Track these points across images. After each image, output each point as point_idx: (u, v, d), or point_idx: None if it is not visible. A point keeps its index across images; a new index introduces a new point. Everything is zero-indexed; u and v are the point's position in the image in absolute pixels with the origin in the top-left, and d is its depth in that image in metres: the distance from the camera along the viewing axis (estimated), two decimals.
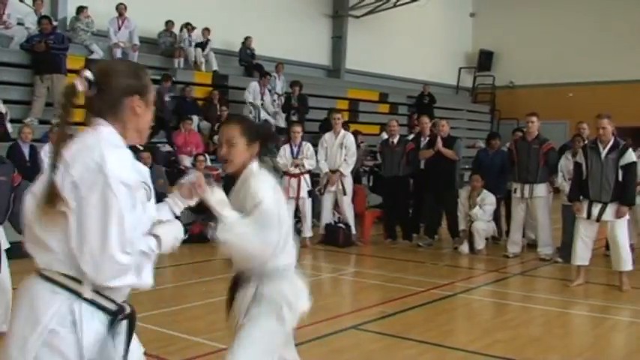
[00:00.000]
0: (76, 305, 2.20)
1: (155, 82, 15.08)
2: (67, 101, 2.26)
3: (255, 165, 3.39)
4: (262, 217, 3.19)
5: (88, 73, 2.29)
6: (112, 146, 2.25)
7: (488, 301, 7.65)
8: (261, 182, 3.31)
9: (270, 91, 15.66)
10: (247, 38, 16.72)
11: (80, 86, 2.26)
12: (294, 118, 14.92)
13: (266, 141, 3.52)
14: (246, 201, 3.29)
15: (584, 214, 7.79)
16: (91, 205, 2.14)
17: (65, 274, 2.20)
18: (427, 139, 11.06)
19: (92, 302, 2.23)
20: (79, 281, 2.20)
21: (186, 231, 9.99)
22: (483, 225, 10.24)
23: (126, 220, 2.17)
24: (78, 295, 2.21)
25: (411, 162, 10.97)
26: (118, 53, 14.22)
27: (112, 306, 2.28)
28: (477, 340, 5.89)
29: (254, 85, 15.12)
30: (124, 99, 2.33)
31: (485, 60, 25.11)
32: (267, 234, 3.20)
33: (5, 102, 11.48)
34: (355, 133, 12.57)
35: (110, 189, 2.15)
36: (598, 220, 7.76)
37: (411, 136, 12.99)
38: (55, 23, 12.95)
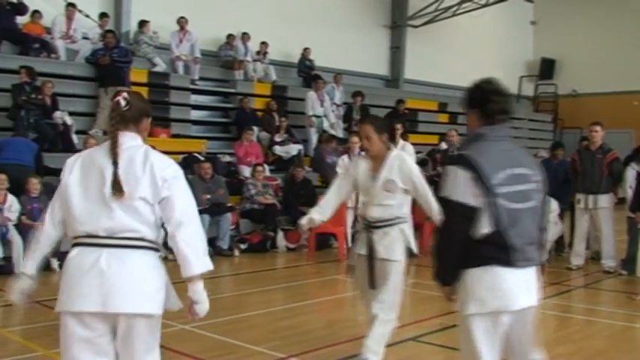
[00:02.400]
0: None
1: (216, 93, 15.36)
2: (116, 111, 3.29)
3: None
4: None
5: (125, 94, 3.32)
6: (160, 154, 3.33)
7: (550, 314, 7.49)
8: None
9: (330, 99, 15.71)
10: (306, 49, 16.85)
11: (122, 102, 3.27)
12: (356, 128, 14.89)
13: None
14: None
15: None
16: (180, 191, 3.23)
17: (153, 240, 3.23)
18: None
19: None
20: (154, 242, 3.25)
21: (244, 241, 10.33)
22: (548, 235, 9.97)
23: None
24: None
25: None
26: (180, 66, 14.49)
27: None
28: None
29: (311, 94, 15.20)
30: (142, 118, 3.37)
31: (547, 68, 24.71)
32: None
33: (71, 114, 11.78)
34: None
35: (184, 179, 3.29)
36: None
37: None
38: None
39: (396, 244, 5.05)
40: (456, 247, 3.23)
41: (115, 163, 3.14)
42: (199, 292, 3.29)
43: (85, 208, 3.16)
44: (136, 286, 3.09)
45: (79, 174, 3.24)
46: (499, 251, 3.19)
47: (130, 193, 3.11)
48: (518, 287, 3.23)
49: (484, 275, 3.20)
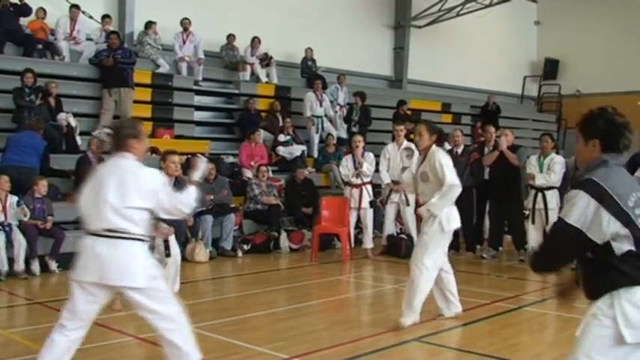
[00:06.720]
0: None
1: (219, 94, 15.37)
2: (99, 144, 7.22)
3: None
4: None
5: (107, 130, 5.89)
6: (143, 167, 4.44)
7: (554, 315, 7.48)
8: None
9: (332, 102, 15.69)
10: (307, 50, 16.84)
11: (105, 137, 6.59)
12: (355, 129, 14.91)
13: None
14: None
15: None
16: (164, 195, 4.38)
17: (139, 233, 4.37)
18: (491, 148, 10.89)
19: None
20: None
21: (248, 242, 10.53)
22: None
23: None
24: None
25: (474, 173, 10.82)
26: (184, 67, 14.50)
27: None
28: (543, 355, 5.78)
29: (309, 95, 15.20)
30: (127, 140, 4.43)
31: (550, 68, 24.64)
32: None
33: (74, 115, 11.79)
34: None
35: (167, 185, 4.50)
36: None
37: (474, 146, 12.82)
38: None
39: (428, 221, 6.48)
40: (561, 265, 3.30)
41: (108, 180, 4.34)
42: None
43: (87, 211, 4.41)
44: (123, 265, 4.29)
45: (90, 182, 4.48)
46: None
47: (120, 202, 4.24)
48: None
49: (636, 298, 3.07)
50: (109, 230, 4.26)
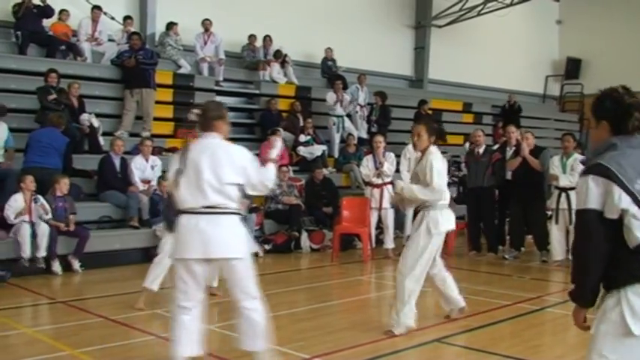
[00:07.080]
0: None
1: (240, 95, 15.41)
2: (189, 125, 4.98)
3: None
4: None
5: (197, 111, 4.87)
6: (231, 144, 4.79)
7: None
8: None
9: (351, 102, 15.65)
10: (327, 50, 16.84)
11: (193, 117, 4.84)
12: (374, 129, 14.88)
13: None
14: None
15: None
16: (253, 171, 4.70)
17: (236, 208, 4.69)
18: (513, 148, 10.81)
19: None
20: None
21: (269, 241, 10.54)
22: None
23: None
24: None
25: (496, 173, 10.76)
26: (205, 68, 14.55)
27: None
28: (565, 356, 5.72)
29: (330, 94, 15.19)
30: (214, 121, 4.77)
31: (572, 68, 24.46)
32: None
33: (97, 116, 11.86)
34: None
35: (254, 161, 4.78)
36: None
37: (496, 146, 12.74)
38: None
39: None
40: (599, 261, 3.01)
41: (202, 161, 4.56)
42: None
43: (187, 190, 4.59)
44: (226, 239, 4.61)
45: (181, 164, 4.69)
46: None
47: (217, 180, 4.53)
48: None
49: None
50: (210, 207, 4.54)
